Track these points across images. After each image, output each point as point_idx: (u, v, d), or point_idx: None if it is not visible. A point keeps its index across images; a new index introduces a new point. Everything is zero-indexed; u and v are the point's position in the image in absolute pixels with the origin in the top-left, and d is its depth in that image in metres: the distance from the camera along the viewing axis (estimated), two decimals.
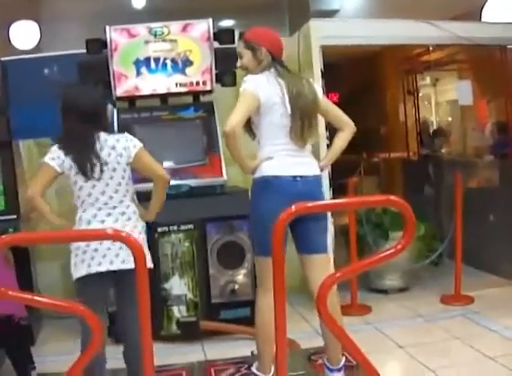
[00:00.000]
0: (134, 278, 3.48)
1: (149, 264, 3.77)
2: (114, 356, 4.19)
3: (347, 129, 4.31)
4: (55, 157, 3.89)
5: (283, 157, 4.12)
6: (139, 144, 3.99)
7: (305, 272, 4.28)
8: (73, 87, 4.27)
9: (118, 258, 3.85)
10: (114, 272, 3.89)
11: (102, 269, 3.86)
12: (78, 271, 3.90)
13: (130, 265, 3.77)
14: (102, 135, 3.93)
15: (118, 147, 3.91)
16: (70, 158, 3.88)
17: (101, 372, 3.95)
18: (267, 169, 4.12)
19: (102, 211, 3.91)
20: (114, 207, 3.92)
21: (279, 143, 4.13)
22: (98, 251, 3.83)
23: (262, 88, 4.08)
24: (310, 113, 4.15)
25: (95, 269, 3.85)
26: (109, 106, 4.20)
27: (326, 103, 4.34)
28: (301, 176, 4.10)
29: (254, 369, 4.33)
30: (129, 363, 4.03)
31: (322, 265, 4.22)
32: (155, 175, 4.03)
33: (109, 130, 4.07)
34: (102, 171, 3.87)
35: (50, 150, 3.95)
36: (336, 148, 4.37)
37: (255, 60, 4.24)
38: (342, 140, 4.33)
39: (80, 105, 3.94)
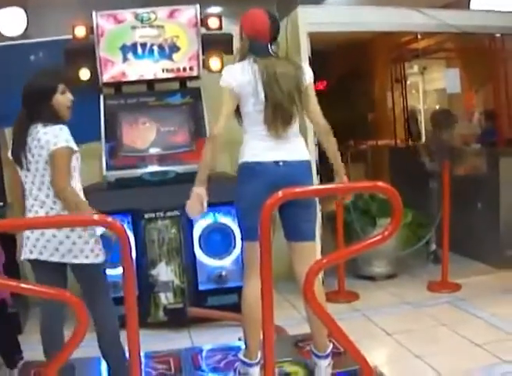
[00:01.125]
0: (85, 271, 3.60)
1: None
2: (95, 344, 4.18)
3: (321, 133, 4.25)
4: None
5: (263, 143, 4.09)
6: (62, 144, 3.76)
7: (292, 259, 4.27)
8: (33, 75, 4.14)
9: (46, 250, 3.80)
10: (60, 264, 3.86)
11: (33, 257, 3.85)
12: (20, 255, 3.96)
13: (58, 258, 3.80)
14: (38, 126, 3.83)
15: (42, 140, 3.78)
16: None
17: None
18: (248, 155, 4.12)
19: (36, 202, 3.87)
20: (43, 202, 3.84)
21: (257, 130, 4.10)
22: (29, 239, 3.82)
23: (235, 79, 4.06)
24: (285, 104, 4.05)
25: (27, 256, 3.87)
26: (64, 96, 4.02)
27: (312, 98, 4.21)
28: (283, 161, 4.06)
29: (240, 355, 4.32)
30: (104, 353, 4.01)
31: (310, 253, 4.21)
32: (53, 183, 3.82)
33: (53, 120, 3.85)
34: (28, 162, 3.84)
35: None
36: (335, 160, 4.29)
37: (240, 48, 4.23)
38: (329, 146, 4.25)
39: (22, 92, 3.91)
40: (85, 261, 3.78)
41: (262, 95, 4.02)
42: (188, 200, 4.15)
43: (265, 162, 4.06)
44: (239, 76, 4.06)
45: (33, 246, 3.81)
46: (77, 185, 3.91)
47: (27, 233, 3.82)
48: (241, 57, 4.17)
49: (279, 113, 4.04)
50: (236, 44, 4.26)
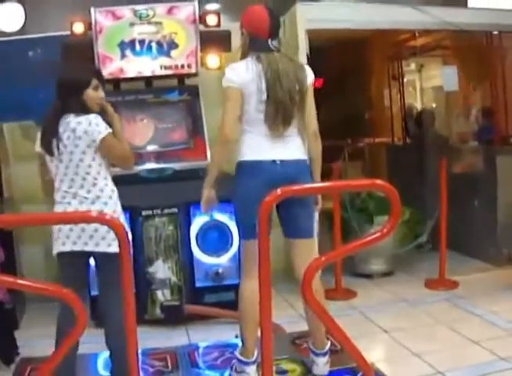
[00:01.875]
0: (113, 262, 3.50)
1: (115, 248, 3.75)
2: (96, 340, 4.18)
3: (309, 135, 4.23)
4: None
5: (261, 142, 4.08)
6: (103, 131, 3.88)
7: (291, 256, 4.28)
8: (67, 63, 4.19)
9: (92, 240, 3.83)
10: (90, 253, 3.89)
11: (66, 249, 3.86)
12: (54, 248, 3.93)
13: (104, 248, 3.81)
14: (70, 117, 3.87)
15: (78, 130, 3.83)
16: (41, 139, 3.92)
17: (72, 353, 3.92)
18: (247, 154, 4.11)
19: (68, 194, 3.89)
20: (75, 193, 3.87)
21: (257, 129, 4.08)
22: (73, 231, 3.82)
23: (240, 77, 4.03)
24: (287, 103, 4.04)
25: (69, 247, 3.85)
26: (95, 92, 4.05)
27: (310, 99, 4.20)
28: (281, 160, 4.06)
29: (237, 353, 4.32)
30: (111, 347, 4.00)
31: (309, 250, 4.21)
32: (120, 164, 4.04)
33: (83, 112, 3.91)
34: (60, 153, 3.85)
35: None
36: (316, 162, 4.28)
37: (241, 44, 4.22)
38: (315, 149, 4.24)
39: (57, 84, 3.93)
40: (116, 250, 3.77)
41: (265, 95, 4.00)
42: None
43: (263, 161, 4.05)
44: (243, 74, 4.03)
45: (66, 237, 3.83)
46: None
47: (69, 225, 3.82)
48: (243, 54, 4.16)
49: (280, 112, 4.03)
50: (236, 41, 4.23)
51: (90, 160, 3.88)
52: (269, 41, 4.10)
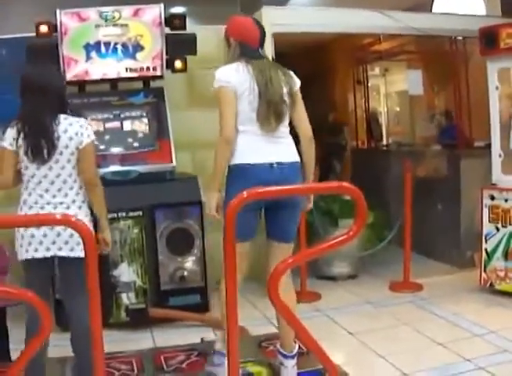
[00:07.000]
0: (77, 266, 3.50)
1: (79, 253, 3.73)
2: (62, 344, 4.16)
3: (304, 140, 4.24)
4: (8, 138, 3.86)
5: (254, 143, 4.08)
6: (93, 136, 3.93)
7: (268, 257, 4.28)
8: (37, 66, 4.16)
9: (55, 245, 3.80)
10: (54, 258, 3.86)
11: (39, 255, 3.81)
12: (19, 255, 3.89)
13: (66, 252, 3.80)
14: (59, 119, 3.85)
15: (70, 131, 3.83)
16: (23, 139, 3.81)
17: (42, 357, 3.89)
18: (240, 157, 4.08)
19: (43, 197, 3.83)
20: (53, 196, 3.83)
21: (249, 129, 4.08)
22: (34, 237, 3.78)
23: (232, 78, 4.05)
24: (278, 102, 4.08)
25: (31, 254, 3.82)
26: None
27: (299, 103, 4.26)
28: (277, 163, 4.06)
29: (217, 347, 4.35)
30: (77, 350, 3.97)
31: (287, 254, 4.21)
32: (85, 175, 3.93)
33: (70, 114, 3.96)
34: (49, 154, 3.80)
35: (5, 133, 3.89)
36: (309, 165, 4.28)
37: (229, 53, 4.25)
38: (309, 152, 4.25)
39: (44, 86, 3.87)
40: (80, 254, 3.73)
41: (257, 94, 4.03)
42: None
43: (258, 164, 4.04)
44: (234, 74, 4.06)
45: (38, 243, 3.79)
46: None
47: (32, 230, 3.78)
48: (231, 60, 4.18)
49: (272, 109, 4.06)
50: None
51: (75, 162, 3.88)
52: (259, 49, 4.20)
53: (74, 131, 3.84)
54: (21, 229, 3.80)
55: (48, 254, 3.80)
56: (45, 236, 3.77)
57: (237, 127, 4.10)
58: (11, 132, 3.84)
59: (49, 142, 3.78)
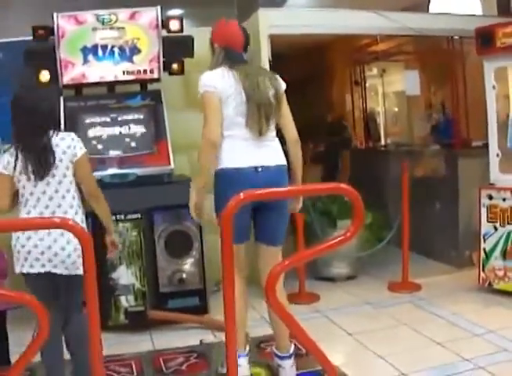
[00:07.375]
0: (71, 283, 3.69)
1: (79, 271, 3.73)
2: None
3: (290, 142, 4.27)
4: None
5: (241, 148, 4.09)
6: (84, 148, 3.96)
7: (258, 260, 4.30)
8: (30, 90, 4.18)
9: (51, 263, 3.80)
10: (50, 273, 3.85)
11: (34, 271, 3.82)
12: (15, 267, 3.91)
13: (61, 270, 3.82)
14: (50, 135, 3.87)
15: (62, 145, 3.85)
16: (18, 159, 3.82)
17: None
18: (226, 161, 4.09)
19: (44, 214, 3.83)
20: (53, 213, 3.83)
21: (235, 134, 4.09)
22: (31, 254, 3.79)
23: (217, 83, 4.06)
24: (267, 104, 4.10)
25: (26, 270, 3.84)
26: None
27: (285, 106, 4.27)
28: (262, 166, 4.06)
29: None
30: (74, 353, 3.99)
31: (277, 256, 4.23)
32: (86, 189, 4.00)
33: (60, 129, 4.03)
34: (45, 169, 3.81)
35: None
36: (297, 167, 4.31)
37: (213, 58, 4.26)
38: (295, 155, 4.29)
39: (32, 109, 3.87)
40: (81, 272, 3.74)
41: (244, 97, 4.04)
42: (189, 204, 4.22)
43: (243, 168, 4.05)
44: (219, 79, 4.07)
45: (35, 259, 3.80)
46: None
47: (29, 247, 3.79)
48: (216, 66, 4.19)
49: (262, 112, 4.07)
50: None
51: (72, 176, 3.90)
52: (243, 54, 4.22)
53: (66, 144, 3.86)
54: (18, 245, 3.81)
55: (43, 270, 3.82)
56: (42, 253, 3.79)
57: (222, 132, 4.10)
58: (5, 157, 3.86)
59: (43, 156, 3.80)
